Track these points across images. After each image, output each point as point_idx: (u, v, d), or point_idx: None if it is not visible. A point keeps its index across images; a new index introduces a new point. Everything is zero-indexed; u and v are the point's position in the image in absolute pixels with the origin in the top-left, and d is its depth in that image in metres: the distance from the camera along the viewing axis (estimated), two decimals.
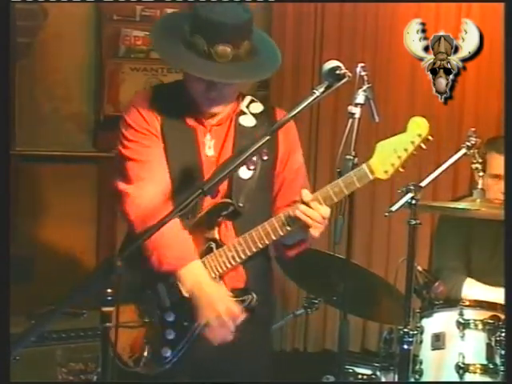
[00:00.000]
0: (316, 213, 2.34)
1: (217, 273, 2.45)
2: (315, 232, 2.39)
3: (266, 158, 2.51)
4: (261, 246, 2.43)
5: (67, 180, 4.48)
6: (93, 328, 3.39)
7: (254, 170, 2.50)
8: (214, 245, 2.46)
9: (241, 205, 2.48)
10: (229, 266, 2.45)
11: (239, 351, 2.50)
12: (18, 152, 4.36)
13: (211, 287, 2.41)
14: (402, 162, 2.36)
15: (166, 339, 2.47)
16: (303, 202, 2.34)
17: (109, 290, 1.96)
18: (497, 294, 3.16)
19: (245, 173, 2.49)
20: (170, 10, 4.50)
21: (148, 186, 2.46)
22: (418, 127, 2.36)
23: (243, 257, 2.44)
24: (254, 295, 2.49)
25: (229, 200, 2.47)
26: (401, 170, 2.37)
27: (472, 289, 3.36)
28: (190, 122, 2.51)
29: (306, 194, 2.35)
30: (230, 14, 2.36)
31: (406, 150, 2.35)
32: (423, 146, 2.36)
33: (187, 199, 2.09)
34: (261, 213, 2.54)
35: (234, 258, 2.44)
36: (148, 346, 2.44)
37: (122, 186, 2.48)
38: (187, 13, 2.51)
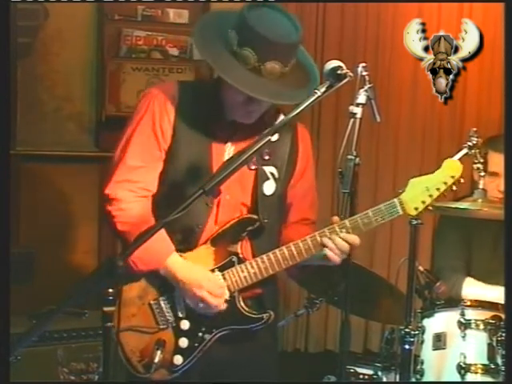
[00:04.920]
0: (345, 243, 2.36)
1: (236, 287, 2.46)
2: (337, 260, 2.39)
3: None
4: (283, 267, 2.45)
5: (69, 180, 4.47)
6: (94, 328, 3.39)
7: (277, 185, 2.52)
8: (235, 259, 2.47)
9: (266, 221, 2.50)
10: (249, 282, 2.46)
11: (249, 354, 2.55)
12: (19, 152, 4.36)
13: (188, 276, 2.42)
14: (432, 200, 2.41)
15: (179, 347, 2.47)
16: (332, 230, 2.37)
17: (110, 290, 1.96)
18: (496, 293, 3.17)
19: (268, 189, 2.51)
20: (171, 10, 4.53)
21: (139, 194, 2.47)
22: (451, 169, 2.43)
23: (265, 275, 2.45)
24: (272, 313, 2.50)
25: (255, 216, 2.49)
26: (430, 208, 2.43)
27: (471, 288, 3.36)
28: (212, 126, 2.49)
29: (336, 220, 2.37)
30: (282, 32, 2.32)
31: (438, 189, 2.42)
32: (454, 187, 2.42)
33: (188, 199, 2.09)
34: (277, 227, 2.57)
35: (255, 274, 2.45)
36: (159, 352, 2.44)
37: (108, 190, 2.47)
38: (230, 14, 2.44)
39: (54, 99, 4.51)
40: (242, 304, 2.48)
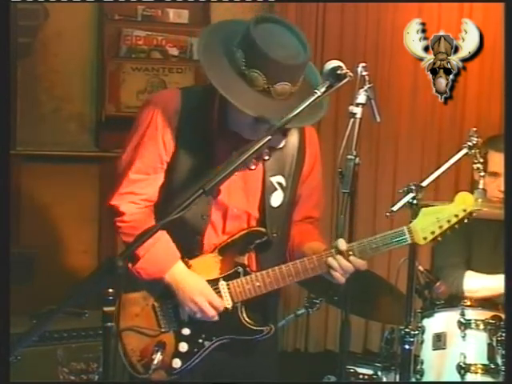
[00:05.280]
0: (350, 265, 2.35)
1: (240, 298, 2.46)
2: (342, 280, 2.38)
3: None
4: (288, 283, 2.45)
5: (69, 180, 4.47)
6: (94, 328, 3.39)
7: (284, 195, 2.50)
8: (241, 270, 2.48)
9: (274, 235, 2.50)
10: (253, 294, 2.46)
11: (248, 360, 2.55)
12: (19, 152, 4.36)
13: (190, 285, 2.43)
14: (442, 231, 2.41)
15: (178, 351, 2.48)
16: (339, 252, 2.35)
17: (110, 290, 1.96)
18: (497, 282, 3.16)
19: (275, 200, 2.50)
20: (171, 10, 4.53)
21: (141, 205, 2.47)
22: (464, 202, 2.42)
23: (269, 289, 2.46)
24: (273, 326, 2.50)
25: (263, 230, 2.49)
26: (439, 239, 2.42)
27: (472, 280, 3.35)
28: (216, 135, 2.45)
29: (342, 244, 2.35)
30: (291, 52, 2.27)
31: (448, 221, 2.41)
32: (466, 220, 2.41)
33: (188, 199, 2.09)
34: (284, 239, 2.56)
35: (260, 288, 2.45)
36: (159, 353, 2.44)
37: (113, 202, 2.47)
38: (234, 25, 2.39)
39: (53, 99, 4.51)
40: (244, 315, 2.48)
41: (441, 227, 2.41)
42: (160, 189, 2.49)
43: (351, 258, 2.35)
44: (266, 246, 2.51)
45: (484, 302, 3.16)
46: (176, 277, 2.44)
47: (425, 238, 2.42)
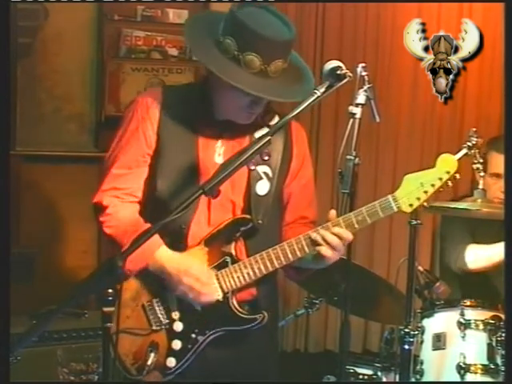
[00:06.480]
0: (336, 239, 2.34)
1: (230, 288, 2.44)
2: (330, 258, 2.37)
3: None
4: (277, 266, 2.43)
5: (68, 180, 4.47)
6: (94, 328, 3.39)
7: (270, 185, 2.50)
8: (229, 259, 2.45)
9: (260, 222, 2.48)
10: (243, 282, 2.44)
11: (246, 356, 2.53)
12: (19, 152, 4.36)
13: (178, 265, 2.39)
14: (427, 196, 2.38)
15: (172, 349, 2.46)
16: (323, 227, 2.35)
17: (110, 291, 1.96)
18: (496, 249, 3.17)
19: (261, 189, 2.50)
20: (170, 11, 4.53)
21: (125, 199, 2.47)
22: (446, 164, 2.39)
23: (258, 275, 2.43)
24: (265, 313, 2.48)
25: (248, 216, 2.47)
26: (425, 204, 2.39)
27: (472, 250, 3.37)
28: (200, 127, 2.47)
29: (332, 215, 2.35)
30: (280, 29, 2.33)
31: (433, 185, 2.38)
32: (450, 183, 2.38)
33: (188, 199, 2.09)
34: (273, 228, 2.55)
35: (249, 274, 2.43)
36: (152, 354, 2.42)
37: (95, 199, 2.47)
38: (211, 18, 2.45)
39: (53, 99, 4.51)
40: (236, 305, 2.46)
41: (426, 192, 2.37)
42: (148, 183, 2.49)
43: (335, 228, 2.33)
44: (252, 234, 2.49)
45: (484, 303, 3.16)
46: (160, 260, 2.40)
47: (411, 205, 2.38)
